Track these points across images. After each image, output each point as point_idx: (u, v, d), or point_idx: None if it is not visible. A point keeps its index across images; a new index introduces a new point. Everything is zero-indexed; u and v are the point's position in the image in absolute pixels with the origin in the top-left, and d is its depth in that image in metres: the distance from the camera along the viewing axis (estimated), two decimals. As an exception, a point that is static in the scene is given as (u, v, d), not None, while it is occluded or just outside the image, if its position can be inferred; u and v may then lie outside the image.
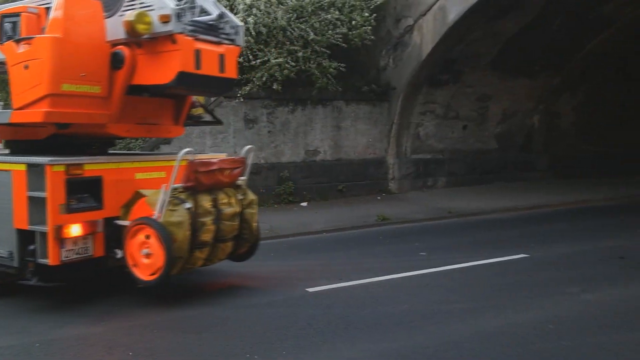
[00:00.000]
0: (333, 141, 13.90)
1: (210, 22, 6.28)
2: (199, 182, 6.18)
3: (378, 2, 13.33)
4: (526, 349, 4.95)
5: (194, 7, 6.14)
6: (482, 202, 13.34)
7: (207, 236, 6.17)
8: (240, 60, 12.23)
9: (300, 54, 12.27)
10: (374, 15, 13.19)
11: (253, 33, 11.99)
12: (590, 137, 17.74)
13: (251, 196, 6.85)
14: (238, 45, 6.68)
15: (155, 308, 6.20)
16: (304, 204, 13.01)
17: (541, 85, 16.16)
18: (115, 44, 6.18)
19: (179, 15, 5.93)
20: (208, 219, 6.16)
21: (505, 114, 16.20)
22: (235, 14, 11.99)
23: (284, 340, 5.19)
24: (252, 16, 11.95)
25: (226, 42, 6.51)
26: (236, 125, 12.73)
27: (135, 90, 6.37)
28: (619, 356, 4.76)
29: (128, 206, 6.27)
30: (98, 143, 6.97)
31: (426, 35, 13.46)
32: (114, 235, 6.21)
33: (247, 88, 12.34)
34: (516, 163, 16.66)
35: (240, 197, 6.66)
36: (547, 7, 13.28)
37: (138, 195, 6.25)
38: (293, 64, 12.28)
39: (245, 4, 12.01)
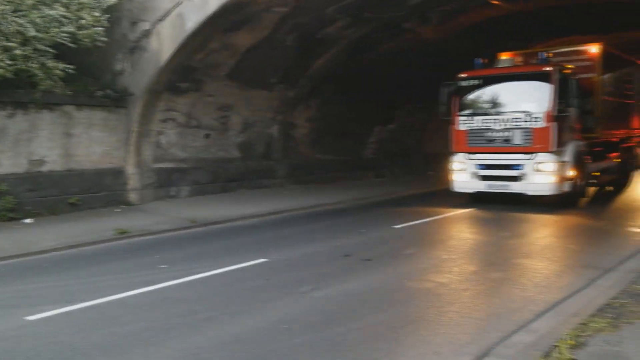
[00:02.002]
0: (63, 150, 12.62)
1: None
2: None
3: (110, 2, 12.51)
4: (262, 350, 5.06)
5: None
6: (225, 210, 13.52)
7: None
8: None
9: (18, 51, 10.82)
10: (107, 15, 12.35)
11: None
12: (321, 147, 19.46)
13: None
14: None
15: None
16: (28, 220, 11.55)
17: (278, 97, 17.13)
18: None
19: None
20: None
21: (245, 123, 16.75)
22: None
23: (-8, 383, 4.43)
24: (-45, 4, 10.17)
25: None
26: None
27: None
28: (344, 347, 5.16)
29: None
30: None
31: (164, 42, 13.15)
32: None
33: (-50, 87, 10.46)
34: (258, 171, 17.34)
35: None
36: (279, 25, 14.10)
37: None
38: (10, 62, 10.78)
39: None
